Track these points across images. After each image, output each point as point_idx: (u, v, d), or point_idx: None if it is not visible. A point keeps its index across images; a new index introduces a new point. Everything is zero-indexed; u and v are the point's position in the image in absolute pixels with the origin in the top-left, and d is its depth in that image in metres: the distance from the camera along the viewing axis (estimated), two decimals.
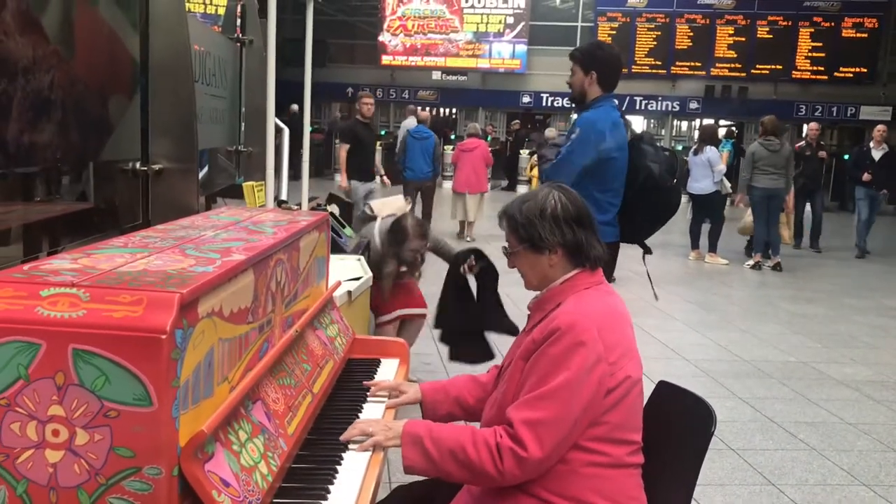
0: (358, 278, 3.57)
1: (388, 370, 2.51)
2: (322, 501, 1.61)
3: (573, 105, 3.94)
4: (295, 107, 14.94)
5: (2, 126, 1.71)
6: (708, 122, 16.87)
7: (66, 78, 1.89)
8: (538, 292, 2.00)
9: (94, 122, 2.15)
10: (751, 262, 9.60)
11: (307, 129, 5.65)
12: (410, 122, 14.56)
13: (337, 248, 4.14)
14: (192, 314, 1.36)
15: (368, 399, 2.21)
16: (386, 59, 21.48)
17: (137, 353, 1.26)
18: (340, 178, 8.74)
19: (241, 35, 4.33)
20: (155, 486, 1.28)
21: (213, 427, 1.38)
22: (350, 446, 1.86)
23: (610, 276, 3.92)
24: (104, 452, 1.28)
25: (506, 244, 2.01)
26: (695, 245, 10.09)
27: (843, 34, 19.72)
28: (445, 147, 19.34)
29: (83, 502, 1.29)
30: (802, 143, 11.27)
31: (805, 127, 12.69)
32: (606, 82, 3.72)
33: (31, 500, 1.29)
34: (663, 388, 2.23)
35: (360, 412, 2.13)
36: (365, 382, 2.29)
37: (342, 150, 8.63)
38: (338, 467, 1.76)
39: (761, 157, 9.19)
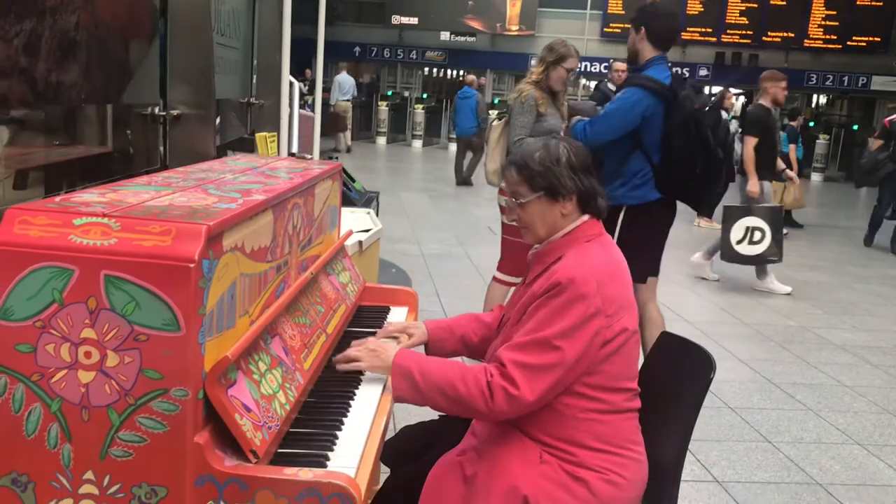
0: (368, 230, 3.63)
1: (397, 318, 2.58)
2: (336, 431, 1.68)
3: (631, 67, 4.00)
4: (308, 72, 15.36)
5: (30, 65, 1.75)
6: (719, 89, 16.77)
7: (91, 19, 1.93)
8: (538, 245, 2.03)
9: (116, 65, 2.19)
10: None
11: (319, 86, 5.68)
12: (342, 77, 15.87)
13: (347, 202, 4.19)
14: (217, 246, 1.42)
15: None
16: (395, 19, 21.29)
17: (167, 280, 1.32)
18: (750, 182, 6.68)
19: None
20: (181, 407, 1.35)
21: (236, 354, 1.44)
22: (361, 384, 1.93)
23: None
24: (134, 374, 1.34)
25: (511, 195, 1.99)
26: None
27: (858, 2, 19.48)
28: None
29: (113, 421, 1.36)
30: (894, 116, 8.94)
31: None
32: (656, 38, 3.75)
33: (64, 418, 1.36)
34: (665, 338, 2.30)
35: None
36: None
37: (749, 145, 6.78)
38: (351, 402, 1.83)
39: None
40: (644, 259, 3.67)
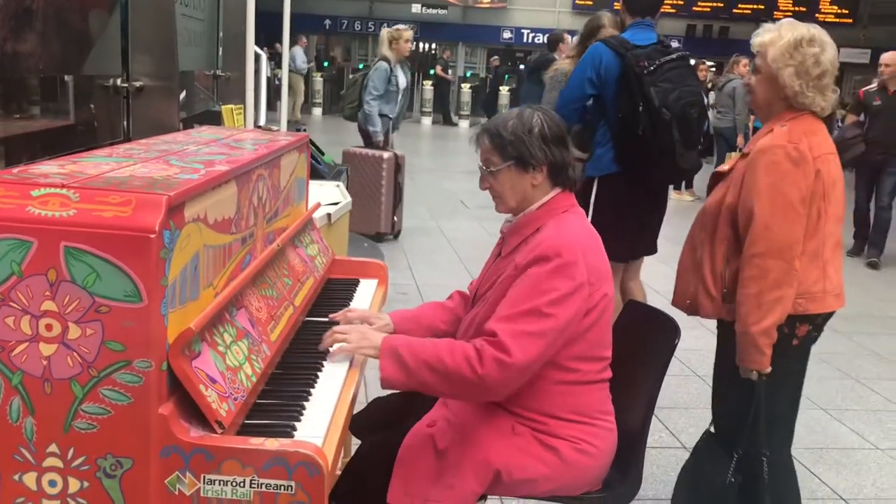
0: (337, 203, 3.62)
1: (366, 290, 2.57)
2: (303, 402, 1.68)
3: None
4: (278, 45, 15.12)
5: None
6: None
7: None
8: (510, 216, 2.03)
9: (75, 35, 2.15)
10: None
11: (286, 59, 5.62)
12: (296, 51, 15.70)
13: (316, 175, 4.17)
14: (178, 217, 1.41)
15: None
16: None
17: (127, 251, 1.31)
18: None
19: None
20: (145, 378, 1.35)
21: (200, 326, 1.43)
22: (330, 356, 1.93)
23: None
24: (96, 346, 1.33)
25: (483, 163, 1.98)
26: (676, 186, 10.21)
27: None
28: (426, 83, 19.18)
29: (76, 393, 1.35)
30: (872, 86, 7.62)
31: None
32: (632, 5, 3.65)
33: (26, 391, 1.35)
34: (632, 306, 2.33)
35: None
36: (332, 316, 2.18)
37: None
38: (319, 373, 1.83)
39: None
40: (614, 236, 3.53)
